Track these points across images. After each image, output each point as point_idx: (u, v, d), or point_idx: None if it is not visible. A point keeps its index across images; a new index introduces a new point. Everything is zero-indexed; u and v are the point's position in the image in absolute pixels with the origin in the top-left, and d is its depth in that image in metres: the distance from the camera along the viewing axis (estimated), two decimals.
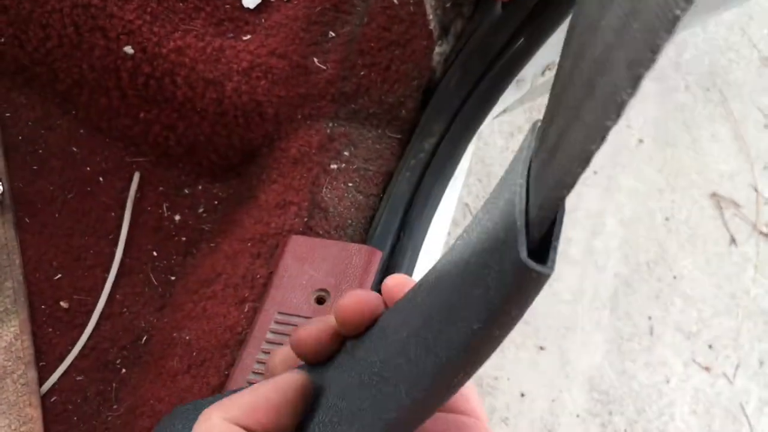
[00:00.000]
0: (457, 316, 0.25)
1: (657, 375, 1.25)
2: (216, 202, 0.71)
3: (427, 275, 0.30)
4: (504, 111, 0.76)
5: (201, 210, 0.71)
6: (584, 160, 0.20)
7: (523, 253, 0.22)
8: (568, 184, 0.21)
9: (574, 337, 1.25)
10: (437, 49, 0.62)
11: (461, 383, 0.26)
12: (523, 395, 1.17)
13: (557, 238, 0.23)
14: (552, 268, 0.23)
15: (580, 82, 0.21)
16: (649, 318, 1.30)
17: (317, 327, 0.32)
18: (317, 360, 0.33)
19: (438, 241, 0.65)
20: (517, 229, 0.22)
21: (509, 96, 0.63)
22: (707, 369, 1.28)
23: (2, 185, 0.65)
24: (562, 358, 1.22)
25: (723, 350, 1.30)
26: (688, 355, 1.28)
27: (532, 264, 0.22)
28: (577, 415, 1.18)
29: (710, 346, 1.29)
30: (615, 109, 0.18)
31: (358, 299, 0.31)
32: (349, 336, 0.32)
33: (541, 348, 1.22)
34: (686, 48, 1.59)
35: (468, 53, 0.58)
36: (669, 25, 0.16)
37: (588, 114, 0.20)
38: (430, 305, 0.27)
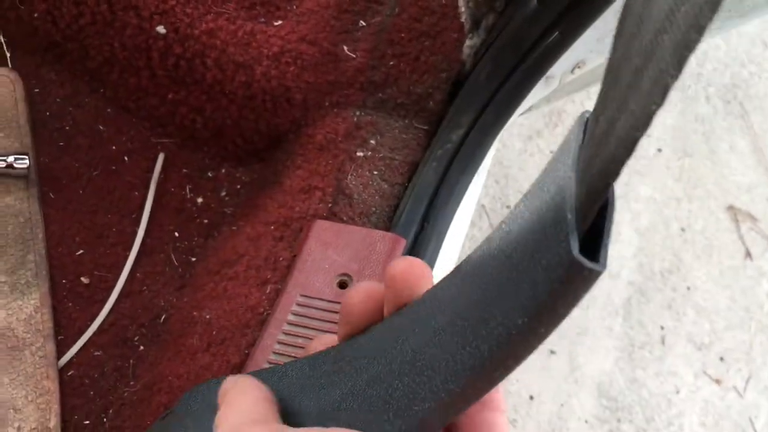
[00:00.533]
0: (498, 310, 0.25)
1: (667, 385, 1.24)
2: (238, 186, 0.71)
3: (461, 265, 0.29)
4: (529, 109, 0.76)
5: (223, 193, 0.71)
6: (629, 148, 0.20)
7: (575, 250, 0.21)
8: (614, 172, 0.21)
9: (585, 343, 1.25)
10: (467, 42, 0.62)
11: (501, 378, 0.26)
12: (531, 398, 1.17)
13: (608, 235, 0.23)
14: (604, 266, 0.22)
15: (628, 72, 0.21)
16: (662, 327, 1.29)
17: (366, 288, 0.33)
18: (367, 325, 0.33)
19: (460, 233, 0.65)
20: (568, 224, 0.22)
21: (537, 93, 0.63)
22: (718, 381, 1.27)
23: (29, 160, 0.65)
24: (573, 362, 1.22)
25: (734, 363, 1.29)
26: (699, 367, 1.27)
27: (584, 261, 0.21)
28: (586, 421, 1.17)
29: (722, 359, 1.29)
30: (660, 93, 0.18)
31: (410, 262, 0.31)
32: (400, 304, 0.31)
33: (552, 352, 1.22)
34: (708, 60, 1.59)
35: (500, 46, 0.59)
36: (713, 4, 0.17)
37: (635, 101, 0.20)
38: (468, 297, 0.27)
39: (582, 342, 1.24)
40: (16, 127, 0.68)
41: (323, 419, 0.33)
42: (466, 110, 0.59)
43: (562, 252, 0.22)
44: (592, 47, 0.63)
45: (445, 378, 0.26)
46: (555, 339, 1.23)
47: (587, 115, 0.26)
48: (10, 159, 0.64)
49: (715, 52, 1.60)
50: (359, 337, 0.35)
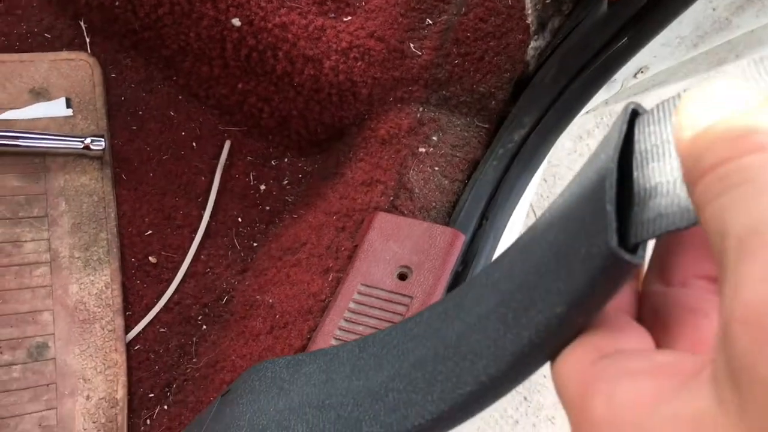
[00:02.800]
0: (539, 297, 0.25)
1: None
2: (300, 176, 0.74)
3: (505, 252, 0.30)
4: (587, 112, 0.76)
5: (285, 182, 0.73)
6: None
7: (613, 241, 0.21)
8: None
9: None
10: (532, 44, 0.63)
11: (540, 365, 0.26)
12: None
13: None
14: (643, 258, 0.22)
15: None
16: None
17: None
18: None
19: (515, 231, 0.66)
20: (608, 216, 0.22)
21: (599, 96, 0.64)
22: None
23: (104, 142, 0.68)
24: None
25: None
26: None
27: (622, 253, 0.21)
28: None
29: None
30: None
31: None
32: None
33: None
34: None
35: (567, 49, 0.59)
36: None
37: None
38: (512, 282, 0.28)
39: None
40: (93, 111, 0.71)
41: (372, 400, 0.34)
42: (529, 110, 0.60)
43: (600, 243, 0.22)
44: (656, 52, 0.63)
45: (487, 363, 0.27)
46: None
47: (632, 106, 0.26)
48: (87, 141, 0.67)
49: None
50: (406, 322, 0.37)
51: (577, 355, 0.24)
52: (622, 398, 0.21)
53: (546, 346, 0.25)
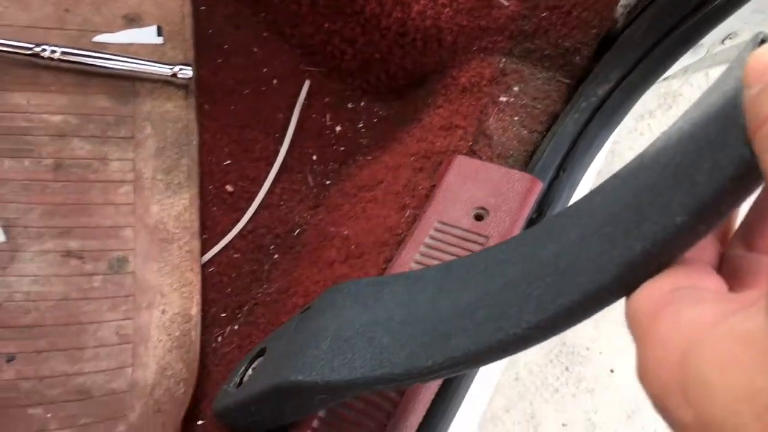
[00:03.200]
0: (654, 212, 0.27)
1: None
2: (375, 120, 0.75)
3: (600, 186, 0.32)
4: (665, 78, 0.76)
5: (360, 125, 0.75)
6: None
7: (747, 150, 0.23)
8: None
9: None
10: (622, 1, 0.63)
11: (652, 274, 0.27)
12: (612, 371, 1.18)
13: None
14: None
15: None
16: None
17: None
18: None
19: (586, 186, 0.67)
20: (739, 124, 0.23)
21: (684, 59, 0.64)
22: None
23: (191, 71, 0.70)
24: None
25: None
26: None
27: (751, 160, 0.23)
28: None
29: None
30: None
31: None
32: None
33: None
34: None
35: (659, 7, 0.59)
36: None
37: None
38: (614, 205, 0.29)
39: None
40: (182, 41, 0.73)
41: (460, 316, 0.36)
42: (616, 66, 0.60)
43: (733, 153, 0.24)
44: (747, 19, 0.63)
45: (591, 276, 0.29)
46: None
47: (761, 35, 0.28)
48: (176, 69, 0.69)
49: None
50: (491, 249, 0.39)
51: (655, 285, 0.27)
52: (686, 318, 0.24)
53: (662, 255, 0.27)
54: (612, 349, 1.19)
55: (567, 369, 1.16)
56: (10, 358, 0.59)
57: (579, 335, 1.19)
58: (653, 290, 0.27)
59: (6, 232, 0.62)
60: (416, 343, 0.37)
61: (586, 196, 0.33)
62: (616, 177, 0.31)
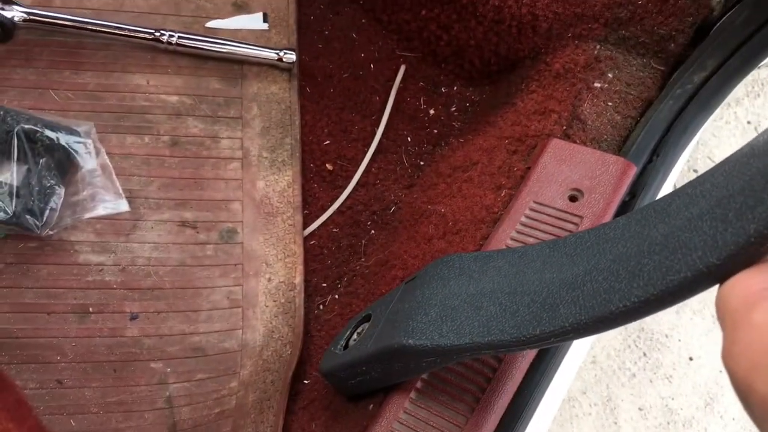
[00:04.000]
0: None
1: None
2: (467, 104, 0.78)
3: (711, 170, 0.34)
4: (759, 66, 0.76)
5: (453, 108, 0.78)
6: None
7: None
8: None
9: None
10: None
11: (759, 257, 0.29)
12: (691, 359, 1.18)
13: None
14: None
15: None
16: None
17: None
18: None
19: (678, 170, 0.68)
20: None
21: None
22: None
23: (294, 55, 0.74)
24: None
25: None
26: None
27: None
28: None
29: None
30: None
31: None
32: None
33: None
34: None
35: None
36: None
37: None
38: (727, 189, 0.31)
39: None
40: (286, 26, 0.77)
41: (568, 288, 0.39)
42: (714, 53, 0.61)
43: None
44: None
45: (704, 254, 0.31)
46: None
47: None
48: (281, 53, 0.74)
49: None
50: (599, 227, 0.41)
51: (752, 278, 0.29)
52: None
53: None
54: (691, 338, 1.19)
55: (645, 354, 1.16)
56: (134, 317, 0.64)
57: (658, 321, 1.19)
58: (750, 283, 0.29)
59: (129, 203, 0.67)
60: (525, 312, 0.40)
61: (693, 182, 0.35)
62: (724, 164, 0.33)
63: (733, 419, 1.14)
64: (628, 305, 0.35)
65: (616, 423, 1.12)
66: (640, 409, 1.14)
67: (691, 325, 1.20)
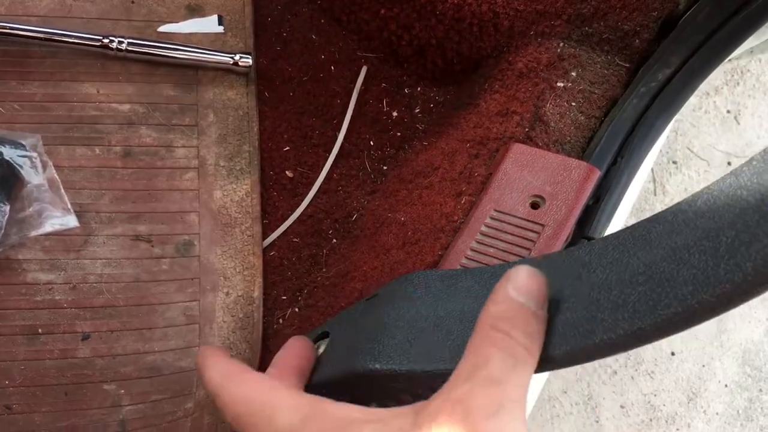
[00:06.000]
0: (764, 233, 0.27)
1: None
2: (431, 105, 0.75)
3: (696, 195, 0.32)
4: (729, 60, 0.74)
5: (417, 110, 0.75)
6: None
7: None
8: None
9: (736, 309, 1.22)
10: None
11: (763, 292, 0.28)
12: (673, 354, 1.16)
13: None
14: None
15: None
16: None
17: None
18: None
19: (644, 174, 0.66)
20: None
21: (750, 41, 0.62)
22: None
23: (251, 59, 0.72)
24: (720, 326, 1.20)
25: None
26: None
27: None
28: (726, 385, 1.16)
29: None
30: None
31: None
32: None
33: None
34: None
35: None
36: None
37: None
38: (714, 222, 0.30)
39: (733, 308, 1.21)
40: (242, 29, 0.74)
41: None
42: (677, 50, 0.59)
43: None
44: None
45: (695, 289, 0.29)
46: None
47: None
48: (237, 57, 0.71)
49: None
50: (574, 250, 0.39)
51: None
52: None
53: None
54: None
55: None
56: (86, 337, 0.62)
57: None
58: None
59: (79, 217, 0.65)
60: None
61: (672, 209, 0.33)
62: (706, 192, 0.31)
63: (717, 414, 1.13)
64: (614, 338, 0.32)
65: (597, 421, 1.11)
66: (622, 406, 1.12)
67: None
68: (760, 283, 0.27)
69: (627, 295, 0.32)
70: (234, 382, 0.38)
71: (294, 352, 0.45)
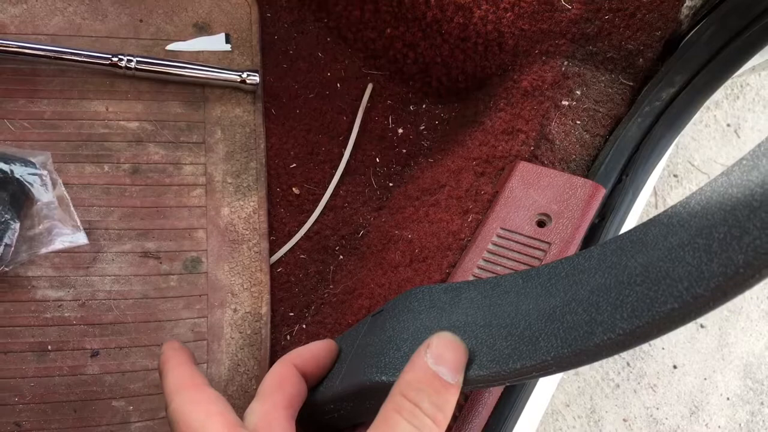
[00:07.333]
0: (755, 226, 0.28)
1: None
2: (437, 122, 0.76)
3: (689, 198, 0.33)
4: (732, 77, 0.75)
5: (422, 127, 0.76)
6: None
7: None
8: None
9: (738, 323, 1.22)
10: (687, 3, 0.63)
11: (756, 283, 0.29)
12: (675, 367, 1.17)
13: None
14: None
15: None
16: None
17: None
18: None
19: (648, 191, 0.66)
20: None
21: (753, 60, 0.63)
22: None
23: (258, 77, 0.72)
24: (722, 340, 1.20)
25: None
26: None
27: None
28: (728, 398, 1.16)
29: None
30: None
31: None
32: None
33: (702, 326, 1.21)
34: None
35: (729, 8, 0.59)
36: None
37: None
38: (707, 219, 0.31)
39: (734, 321, 1.22)
40: (249, 47, 0.75)
41: (546, 320, 0.37)
42: (682, 69, 0.60)
43: None
44: None
45: (690, 284, 0.30)
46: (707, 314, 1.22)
47: None
48: (244, 75, 0.72)
49: None
50: (573, 258, 0.40)
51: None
52: None
53: (764, 267, 0.28)
54: (675, 345, 1.18)
55: (628, 364, 1.15)
56: (95, 354, 0.62)
57: None
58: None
59: (88, 234, 0.65)
60: (503, 345, 0.39)
61: (667, 211, 0.34)
62: (699, 193, 0.32)
63: (719, 427, 1.13)
64: (612, 337, 0.33)
65: None
66: (624, 420, 1.12)
67: (675, 333, 1.19)
68: (752, 275, 0.28)
69: (625, 296, 0.33)
70: (182, 397, 0.40)
71: (279, 377, 0.47)
